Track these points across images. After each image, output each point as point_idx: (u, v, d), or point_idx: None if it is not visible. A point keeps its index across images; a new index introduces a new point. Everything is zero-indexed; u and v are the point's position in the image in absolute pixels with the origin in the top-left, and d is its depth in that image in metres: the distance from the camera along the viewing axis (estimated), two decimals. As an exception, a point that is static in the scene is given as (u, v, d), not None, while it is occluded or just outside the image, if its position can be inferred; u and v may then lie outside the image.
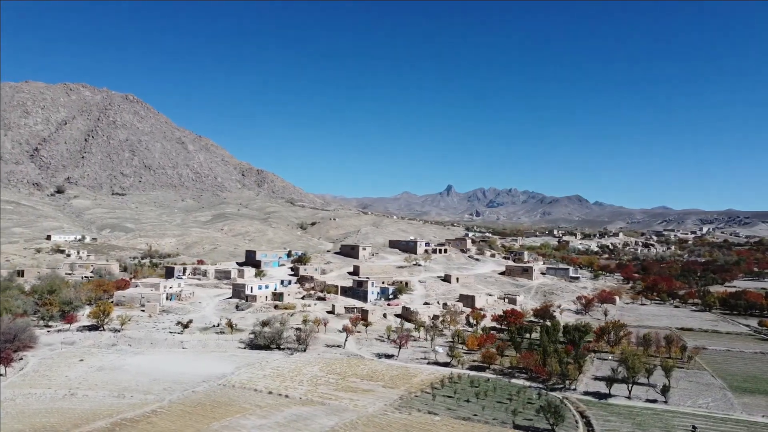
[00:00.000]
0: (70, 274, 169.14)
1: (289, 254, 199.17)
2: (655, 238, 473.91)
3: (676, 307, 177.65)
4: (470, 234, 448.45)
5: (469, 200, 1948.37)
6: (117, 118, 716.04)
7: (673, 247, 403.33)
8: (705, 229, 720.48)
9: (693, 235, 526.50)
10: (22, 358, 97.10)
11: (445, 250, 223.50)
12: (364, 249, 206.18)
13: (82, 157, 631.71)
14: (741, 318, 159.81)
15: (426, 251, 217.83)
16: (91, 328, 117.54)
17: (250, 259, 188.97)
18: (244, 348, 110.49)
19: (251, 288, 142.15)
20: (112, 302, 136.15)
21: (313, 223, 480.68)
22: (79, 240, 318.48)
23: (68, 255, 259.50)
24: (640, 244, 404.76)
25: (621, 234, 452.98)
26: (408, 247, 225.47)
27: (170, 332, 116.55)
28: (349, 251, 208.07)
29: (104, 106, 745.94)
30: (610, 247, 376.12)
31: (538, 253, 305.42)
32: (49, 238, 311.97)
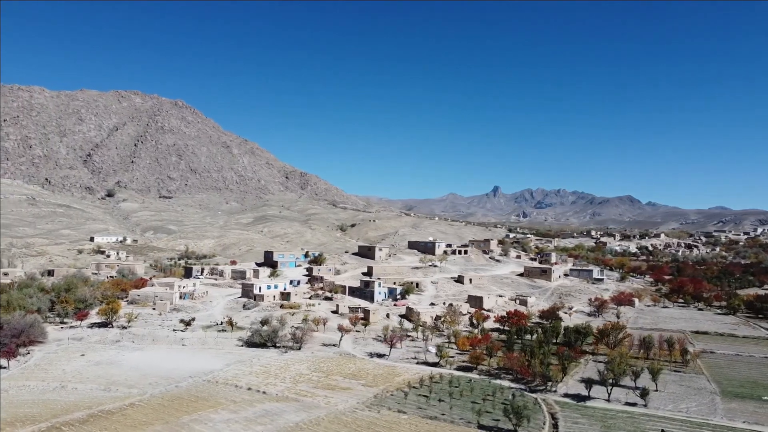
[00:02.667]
0: (96, 273, 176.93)
1: (306, 255, 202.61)
2: (704, 239, 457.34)
3: (699, 310, 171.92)
4: (510, 235, 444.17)
5: (516, 201, 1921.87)
6: (165, 124, 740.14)
7: (718, 248, 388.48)
8: (760, 230, 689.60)
9: (746, 236, 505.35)
10: (29, 353, 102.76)
11: (465, 251, 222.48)
12: (380, 250, 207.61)
13: (132, 162, 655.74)
14: (765, 322, 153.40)
15: (445, 252, 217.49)
16: (101, 325, 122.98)
17: (268, 260, 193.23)
18: (242, 346, 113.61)
19: (259, 288, 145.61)
20: (127, 300, 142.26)
21: (352, 225, 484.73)
22: (120, 241, 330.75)
23: (108, 256, 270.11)
24: (683, 245, 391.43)
25: (663, 235, 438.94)
26: (426, 248, 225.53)
27: (174, 330, 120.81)
28: (366, 252, 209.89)
29: (153, 112, 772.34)
30: (650, 248, 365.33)
31: (571, 255, 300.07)
32: (92, 239, 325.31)
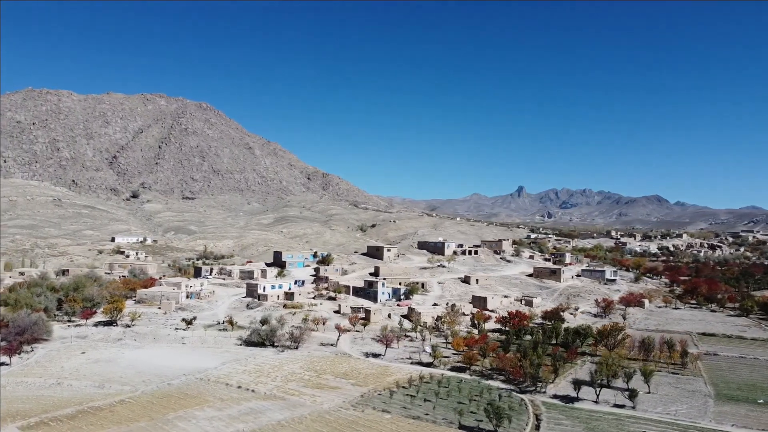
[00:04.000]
0: (109, 273, 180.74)
1: (315, 255, 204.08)
2: (730, 239, 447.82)
3: (712, 311, 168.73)
4: (532, 236, 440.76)
5: (541, 201, 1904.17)
6: (188, 126, 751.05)
7: (743, 249, 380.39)
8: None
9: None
10: (33, 350, 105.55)
11: (476, 252, 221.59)
12: (388, 250, 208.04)
13: (156, 164, 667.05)
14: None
15: (454, 252, 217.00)
16: (107, 323, 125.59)
17: (278, 260, 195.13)
18: (241, 345, 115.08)
19: (263, 287, 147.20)
20: (135, 300, 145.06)
21: (372, 225, 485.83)
22: (141, 242, 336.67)
23: (127, 256, 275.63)
24: (706, 245, 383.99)
25: (685, 235, 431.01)
26: (436, 249, 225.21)
27: (176, 329, 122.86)
28: (374, 252, 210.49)
29: (177, 114, 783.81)
30: (671, 248, 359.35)
31: (588, 255, 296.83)
32: (113, 240, 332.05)
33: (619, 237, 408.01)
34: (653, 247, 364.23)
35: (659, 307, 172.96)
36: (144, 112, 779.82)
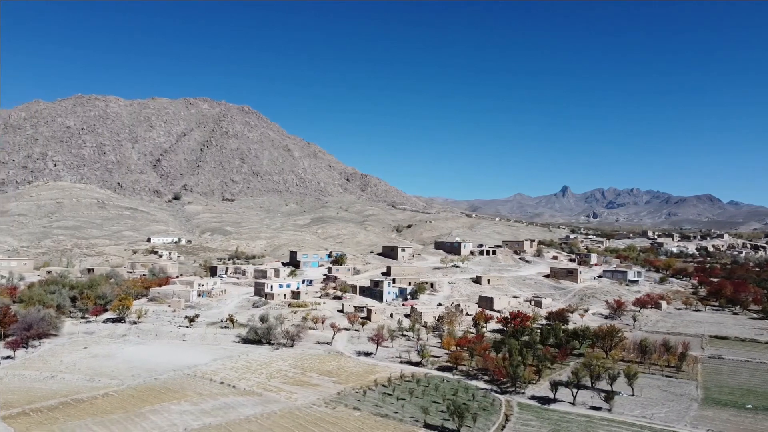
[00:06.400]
0: (131, 272, 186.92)
1: (330, 255, 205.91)
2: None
3: (734, 314, 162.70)
4: (571, 236, 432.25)
5: (587, 201, 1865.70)
6: (229, 129, 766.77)
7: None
8: None
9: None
10: (39, 345, 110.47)
11: (494, 252, 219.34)
12: (403, 250, 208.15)
13: (197, 166, 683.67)
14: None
15: (471, 253, 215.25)
16: (115, 320, 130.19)
17: (293, 260, 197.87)
18: (239, 342, 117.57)
19: (270, 286, 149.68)
20: (148, 297, 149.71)
21: (408, 226, 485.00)
22: (175, 242, 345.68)
23: (160, 256, 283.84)
24: (749, 246, 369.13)
25: (726, 235, 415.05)
26: (452, 249, 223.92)
27: (179, 326, 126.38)
28: (389, 252, 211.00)
29: (219, 117, 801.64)
30: (710, 249, 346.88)
31: (620, 256, 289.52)
32: (148, 240, 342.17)
33: (656, 237, 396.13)
34: (692, 248, 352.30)
35: (678, 309, 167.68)
36: (187, 116, 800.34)
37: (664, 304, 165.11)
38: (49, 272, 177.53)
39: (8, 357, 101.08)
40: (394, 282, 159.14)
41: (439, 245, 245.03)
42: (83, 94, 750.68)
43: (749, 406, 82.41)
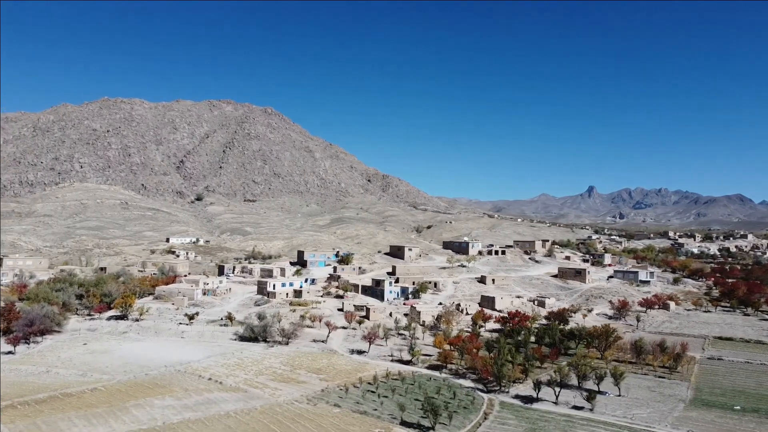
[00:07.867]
0: (142, 271, 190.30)
1: (337, 254, 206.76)
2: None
3: (745, 315, 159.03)
4: (594, 237, 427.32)
5: (613, 202, 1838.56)
6: (251, 130, 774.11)
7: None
8: None
9: None
10: (41, 341, 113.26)
11: (503, 252, 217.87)
12: (410, 250, 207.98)
13: (220, 167, 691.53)
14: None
15: (479, 253, 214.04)
16: (118, 317, 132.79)
17: (300, 259, 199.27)
18: (235, 340, 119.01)
19: (273, 285, 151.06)
20: (154, 296, 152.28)
21: (428, 227, 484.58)
22: (194, 242, 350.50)
23: (177, 256, 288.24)
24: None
25: (750, 236, 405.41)
26: (460, 248, 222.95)
27: (179, 324, 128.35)
28: (396, 252, 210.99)
29: (241, 119, 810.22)
30: (732, 250, 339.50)
31: (638, 257, 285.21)
32: (167, 240, 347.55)
33: (677, 238, 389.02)
34: (713, 249, 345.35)
35: (688, 310, 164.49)
36: (210, 118, 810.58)
37: (672, 304, 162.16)
38: (62, 270, 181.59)
39: (9, 352, 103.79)
40: (396, 281, 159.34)
41: (447, 245, 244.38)
42: (109, 97, 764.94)
43: (738, 407, 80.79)
